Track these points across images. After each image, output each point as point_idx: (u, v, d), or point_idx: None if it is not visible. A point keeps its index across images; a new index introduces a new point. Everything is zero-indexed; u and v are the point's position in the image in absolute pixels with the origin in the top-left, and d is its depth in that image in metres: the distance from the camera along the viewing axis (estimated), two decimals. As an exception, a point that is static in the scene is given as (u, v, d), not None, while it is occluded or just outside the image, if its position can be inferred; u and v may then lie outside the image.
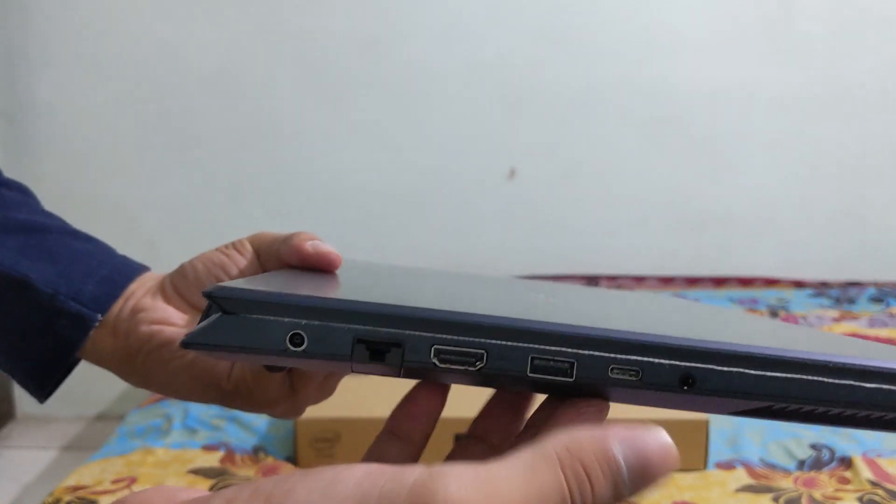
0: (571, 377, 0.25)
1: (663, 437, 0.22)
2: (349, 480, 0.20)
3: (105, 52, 1.75)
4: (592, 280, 1.80)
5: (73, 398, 1.75)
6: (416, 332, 0.24)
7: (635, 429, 0.22)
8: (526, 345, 0.25)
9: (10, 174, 0.49)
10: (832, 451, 1.00)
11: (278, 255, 0.39)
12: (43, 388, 0.45)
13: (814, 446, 1.02)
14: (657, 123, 1.87)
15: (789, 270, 1.89)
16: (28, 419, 1.87)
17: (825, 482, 0.95)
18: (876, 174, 1.93)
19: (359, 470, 0.20)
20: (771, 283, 1.81)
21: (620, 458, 0.21)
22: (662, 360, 0.25)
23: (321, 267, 0.37)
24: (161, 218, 1.81)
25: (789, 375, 0.25)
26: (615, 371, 0.25)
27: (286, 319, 0.24)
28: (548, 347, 0.25)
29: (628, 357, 0.25)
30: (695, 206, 1.91)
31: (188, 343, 0.24)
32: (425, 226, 1.87)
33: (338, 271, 0.37)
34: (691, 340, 0.25)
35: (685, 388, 0.25)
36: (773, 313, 1.57)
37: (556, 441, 0.22)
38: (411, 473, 0.20)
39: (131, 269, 0.45)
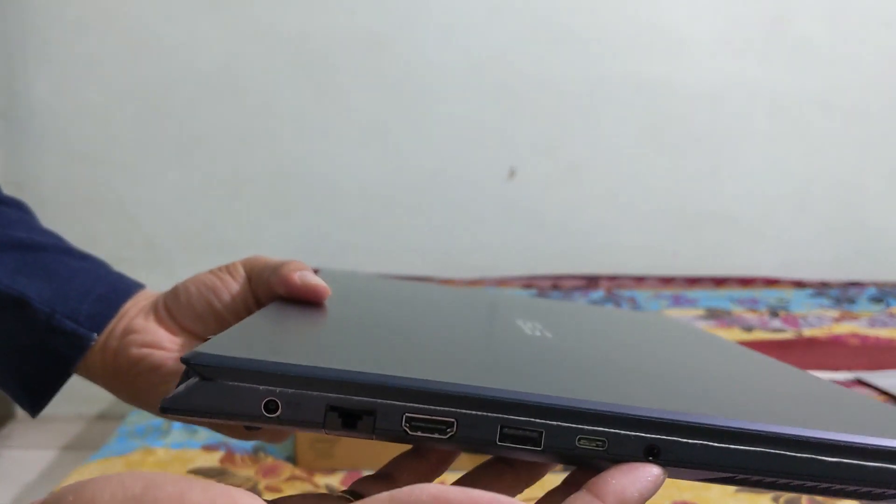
0: (540, 446, 0.25)
1: None
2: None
3: (103, 51, 1.75)
4: (592, 280, 1.80)
5: (74, 397, 1.74)
6: (388, 401, 0.25)
7: None
8: (495, 415, 0.25)
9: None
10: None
11: (268, 283, 0.40)
12: (36, 404, 0.45)
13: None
14: (658, 123, 1.87)
15: (789, 270, 1.89)
16: (28, 419, 1.87)
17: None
18: (875, 174, 1.93)
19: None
20: (771, 283, 1.81)
21: None
22: (628, 432, 0.25)
23: (309, 299, 0.38)
24: (160, 217, 1.81)
25: (751, 448, 0.25)
26: (582, 441, 0.25)
27: (261, 387, 0.24)
28: (516, 418, 0.25)
29: (595, 428, 0.25)
30: (695, 206, 1.91)
31: (165, 408, 0.25)
32: (425, 225, 1.87)
33: (327, 302, 0.38)
34: (656, 411, 0.25)
35: (650, 458, 0.25)
36: (774, 313, 1.57)
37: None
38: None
39: (126, 287, 0.45)
